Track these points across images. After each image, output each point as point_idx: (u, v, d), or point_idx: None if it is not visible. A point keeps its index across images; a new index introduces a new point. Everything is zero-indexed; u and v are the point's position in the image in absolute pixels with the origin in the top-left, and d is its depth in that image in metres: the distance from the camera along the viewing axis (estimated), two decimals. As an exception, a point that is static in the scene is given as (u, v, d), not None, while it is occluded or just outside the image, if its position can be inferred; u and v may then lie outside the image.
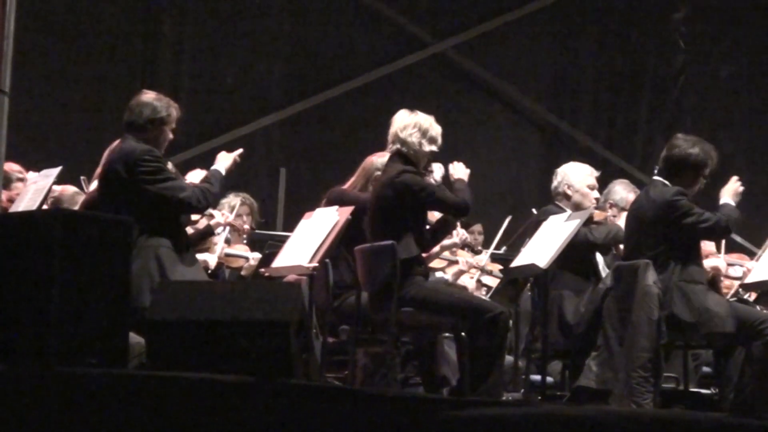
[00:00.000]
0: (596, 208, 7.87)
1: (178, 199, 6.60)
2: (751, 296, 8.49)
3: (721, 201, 7.24)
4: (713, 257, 8.12)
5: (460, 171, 7.27)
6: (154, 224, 6.53)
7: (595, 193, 7.93)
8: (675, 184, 7.12)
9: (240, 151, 7.02)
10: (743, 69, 13.29)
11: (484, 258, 9.05)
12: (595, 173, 8.00)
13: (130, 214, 6.02)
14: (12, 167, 8.21)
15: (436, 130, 7.08)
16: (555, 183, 7.97)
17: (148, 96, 6.80)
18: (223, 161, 6.95)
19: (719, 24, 13.21)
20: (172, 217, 6.67)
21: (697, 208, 7.07)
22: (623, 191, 8.12)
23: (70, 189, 8.00)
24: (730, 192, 7.32)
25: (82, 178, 8.05)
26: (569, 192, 7.88)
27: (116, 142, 7.30)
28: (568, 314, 7.54)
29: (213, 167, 6.94)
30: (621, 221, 7.73)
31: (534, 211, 8.33)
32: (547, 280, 7.33)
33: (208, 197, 6.75)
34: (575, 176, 7.91)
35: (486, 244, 9.74)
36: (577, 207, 7.73)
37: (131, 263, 5.67)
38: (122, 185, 6.58)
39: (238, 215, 8.64)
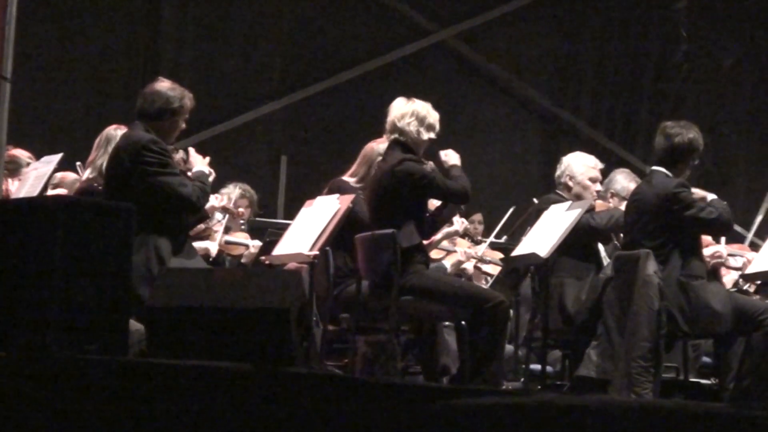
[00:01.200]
0: (598, 198, 7.87)
1: (179, 195, 6.51)
2: (751, 287, 8.49)
3: (708, 197, 7.22)
4: (713, 245, 8.11)
5: (453, 157, 7.23)
6: (154, 218, 6.47)
7: (597, 186, 7.92)
8: (676, 173, 7.12)
9: (208, 158, 6.97)
10: (745, 59, 13.28)
11: (482, 248, 9.03)
12: (600, 165, 7.99)
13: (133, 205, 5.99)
14: (22, 153, 8.22)
15: (433, 116, 7.06)
16: (558, 172, 7.98)
17: (163, 85, 6.70)
18: (201, 162, 6.87)
19: (721, 14, 13.20)
20: (172, 213, 6.60)
21: (699, 201, 7.07)
22: (624, 180, 8.11)
23: (70, 176, 8.00)
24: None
25: (77, 164, 8.05)
26: (570, 183, 7.89)
27: (113, 127, 7.27)
28: (569, 303, 7.54)
29: (196, 169, 6.83)
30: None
31: (535, 200, 8.34)
32: (548, 270, 7.33)
33: (204, 197, 6.70)
34: (578, 167, 7.91)
35: (486, 234, 9.74)
36: (578, 198, 7.72)
37: (132, 250, 5.66)
38: (126, 174, 6.53)
39: (235, 205, 8.64)
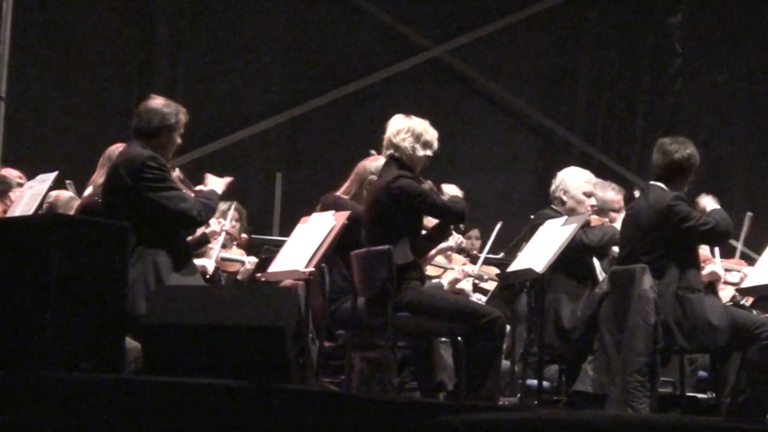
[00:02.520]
0: (593, 213, 7.87)
1: (179, 210, 6.51)
2: (748, 301, 8.50)
3: (708, 208, 7.23)
4: (710, 263, 8.12)
5: (453, 190, 7.25)
6: (153, 234, 6.46)
7: (592, 200, 7.93)
8: (674, 188, 7.11)
9: (230, 179, 6.98)
10: (739, 73, 13.30)
11: (476, 267, 9.00)
12: (594, 179, 8.00)
13: (132, 222, 6.00)
14: (12, 173, 8.22)
15: (430, 134, 7.04)
16: (553, 186, 7.99)
17: (157, 102, 6.70)
18: (217, 183, 6.89)
19: (715, 28, 13.23)
20: (171, 227, 6.60)
21: (695, 212, 7.08)
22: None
23: (65, 194, 8.00)
24: (709, 198, 7.32)
25: (67, 182, 8.04)
26: (564, 198, 7.89)
27: (117, 146, 7.28)
28: (565, 318, 7.55)
29: (209, 187, 6.87)
30: (616, 222, 7.75)
31: (532, 217, 8.34)
32: (544, 285, 7.34)
33: (208, 212, 6.71)
34: (572, 182, 7.92)
35: (482, 249, 9.73)
36: (572, 213, 7.74)
37: (128, 268, 5.66)
38: (125, 191, 6.52)
39: (231, 218, 8.66)
